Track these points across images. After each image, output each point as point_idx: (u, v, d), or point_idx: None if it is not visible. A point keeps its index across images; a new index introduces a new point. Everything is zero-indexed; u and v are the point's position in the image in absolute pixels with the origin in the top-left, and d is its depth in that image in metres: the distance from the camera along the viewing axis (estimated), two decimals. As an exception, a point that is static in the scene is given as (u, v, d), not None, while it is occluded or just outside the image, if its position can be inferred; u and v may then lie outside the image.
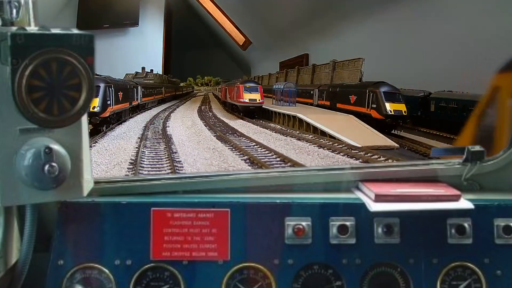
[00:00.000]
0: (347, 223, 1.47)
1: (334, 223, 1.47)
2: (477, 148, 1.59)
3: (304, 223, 1.46)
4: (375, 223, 1.47)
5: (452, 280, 1.48)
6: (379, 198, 1.46)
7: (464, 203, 1.48)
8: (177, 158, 11.35)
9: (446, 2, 17.29)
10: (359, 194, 1.54)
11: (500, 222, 1.49)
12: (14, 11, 1.14)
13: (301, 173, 1.63)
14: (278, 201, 1.48)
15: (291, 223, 1.46)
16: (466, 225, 1.48)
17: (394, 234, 1.47)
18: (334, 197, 1.52)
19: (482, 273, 1.48)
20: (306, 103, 22.80)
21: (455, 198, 1.49)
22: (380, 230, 1.47)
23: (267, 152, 12.44)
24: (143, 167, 10.48)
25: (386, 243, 1.47)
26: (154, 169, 10.48)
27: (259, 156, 11.69)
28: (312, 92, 23.02)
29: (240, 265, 1.45)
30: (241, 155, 11.93)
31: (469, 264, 1.48)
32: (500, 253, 1.48)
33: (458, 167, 1.61)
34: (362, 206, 1.47)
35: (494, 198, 1.52)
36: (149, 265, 1.43)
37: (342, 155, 12.20)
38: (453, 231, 1.48)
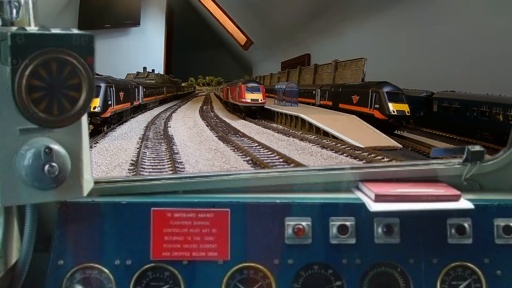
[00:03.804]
0: (347, 223, 1.47)
1: (334, 223, 1.47)
2: (477, 148, 1.59)
3: (304, 223, 1.46)
4: (375, 223, 1.47)
5: (452, 280, 1.48)
6: (379, 198, 1.46)
7: (464, 203, 1.47)
8: (178, 159, 11.31)
9: (449, 2, 17.25)
10: (359, 194, 1.54)
11: (500, 222, 1.49)
12: (14, 11, 1.14)
13: (301, 173, 1.63)
14: (278, 201, 1.48)
15: (291, 223, 1.46)
16: (466, 225, 1.48)
17: (394, 234, 1.47)
18: (334, 197, 1.52)
19: (482, 273, 1.48)
20: (308, 103, 22.75)
21: (455, 198, 1.49)
22: (380, 230, 1.47)
23: (269, 152, 12.38)
24: (144, 168, 10.43)
25: (386, 243, 1.47)
26: (156, 170, 10.42)
27: (261, 157, 11.64)
28: (314, 92, 22.97)
29: (240, 265, 1.45)
30: (244, 156, 11.89)
31: (469, 264, 1.48)
32: (500, 253, 1.48)
33: (458, 167, 1.61)
34: (362, 206, 1.47)
35: (494, 198, 1.52)
36: (149, 265, 1.43)
37: (345, 156, 12.14)
38: (453, 231, 1.48)
